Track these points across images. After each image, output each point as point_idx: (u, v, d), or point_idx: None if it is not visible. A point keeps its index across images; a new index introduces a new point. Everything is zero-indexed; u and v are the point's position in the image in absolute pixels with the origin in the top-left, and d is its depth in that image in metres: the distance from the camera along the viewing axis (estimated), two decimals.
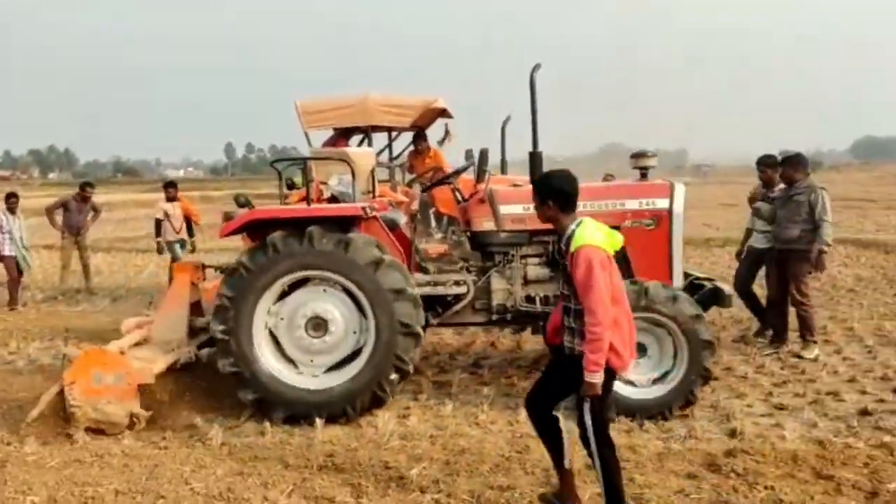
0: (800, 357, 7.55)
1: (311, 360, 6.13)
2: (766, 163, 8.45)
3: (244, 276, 5.99)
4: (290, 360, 6.15)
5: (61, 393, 5.88)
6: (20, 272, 11.59)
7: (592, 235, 3.92)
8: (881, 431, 5.56)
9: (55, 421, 5.88)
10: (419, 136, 9.73)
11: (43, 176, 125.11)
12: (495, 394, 6.63)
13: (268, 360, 6.06)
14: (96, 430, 5.79)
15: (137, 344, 6.65)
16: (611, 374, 3.94)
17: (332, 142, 9.45)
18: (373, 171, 7.48)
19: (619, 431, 5.70)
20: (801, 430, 5.62)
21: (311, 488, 4.72)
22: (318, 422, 5.85)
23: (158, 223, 12.24)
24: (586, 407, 3.98)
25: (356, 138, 9.92)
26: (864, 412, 5.95)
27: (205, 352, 6.81)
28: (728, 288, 6.55)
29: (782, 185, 7.96)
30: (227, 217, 8.03)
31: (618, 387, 5.80)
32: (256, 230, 6.26)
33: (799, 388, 6.61)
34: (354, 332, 6.10)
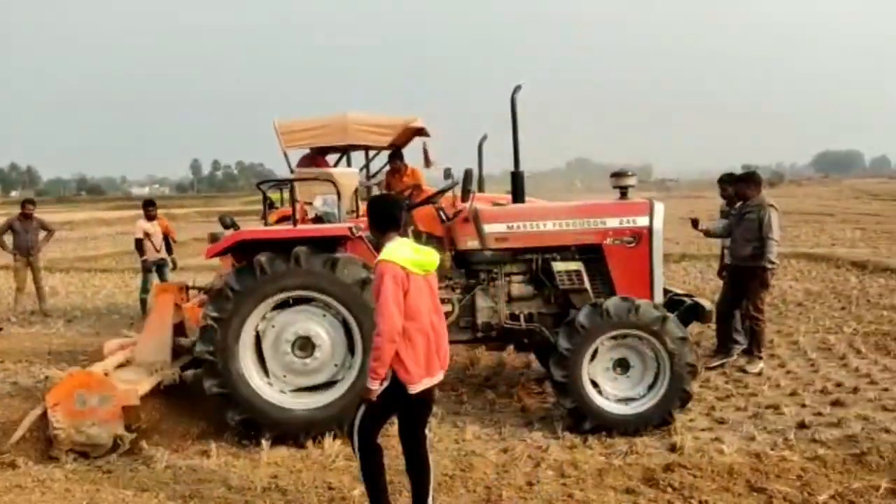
0: (744, 371, 7.72)
1: (284, 376, 6.11)
2: (726, 180, 8.64)
3: (256, 275, 5.95)
4: (265, 369, 6.13)
5: (44, 415, 5.80)
6: None
7: (394, 252, 4.14)
8: (816, 444, 5.69)
9: (38, 443, 5.82)
10: (396, 154, 9.76)
11: (5, 194, 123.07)
12: (444, 411, 6.66)
13: (247, 363, 6.05)
14: (80, 453, 5.75)
15: (121, 365, 6.60)
16: (402, 389, 4.11)
17: (307, 161, 9.44)
18: (356, 191, 7.48)
19: (562, 447, 5.81)
20: (739, 444, 5.74)
21: None
22: (265, 443, 5.85)
23: (140, 242, 12.16)
24: (361, 409, 4.22)
25: (333, 157, 9.92)
26: (802, 425, 6.09)
27: (189, 373, 6.80)
28: (708, 304, 6.71)
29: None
30: (213, 238, 7.97)
31: (599, 401, 6.00)
32: (241, 251, 6.28)
33: (741, 402, 6.75)
34: (336, 365, 6.11)
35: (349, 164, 9.70)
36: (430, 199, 7.11)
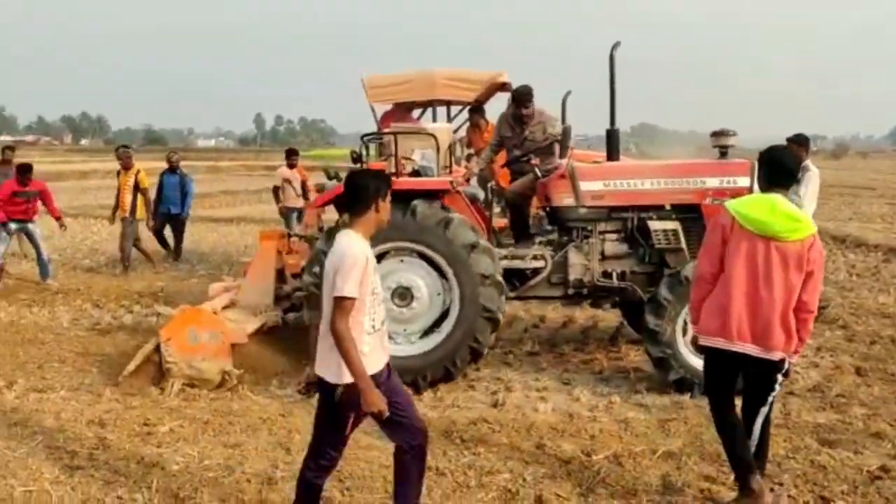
0: None
1: (405, 329, 6.30)
2: (796, 141, 8.33)
3: None
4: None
5: (157, 349, 6.18)
6: None
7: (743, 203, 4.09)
8: (638, 408, 5.79)
9: (149, 376, 6.21)
10: (477, 110, 9.60)
11: (75, 142, 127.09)
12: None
13: None
14: (190, 386, 6.10)
15: (226, 307, 6.96)
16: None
17: (390, 116, 9.47)
18: (451, 147, 7.27)
19: None
20: (562, 404, 5.86)
21: (58, 441, 5.08)
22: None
23: (276, 190, 12.70)
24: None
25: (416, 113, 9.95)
26: (640, 390, 6.16)
27: (291, 316, 7.12)
28: None
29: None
30: (320, 189, 8.19)
31: (687, 355, 6.05)
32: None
33: (598, 366, 6.87)
34: (438, 294, 6.28)
35: (434, 120, 9.64)
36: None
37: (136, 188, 11.59)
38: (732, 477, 4.28)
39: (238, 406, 5.80)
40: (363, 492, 4.37)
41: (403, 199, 6.08)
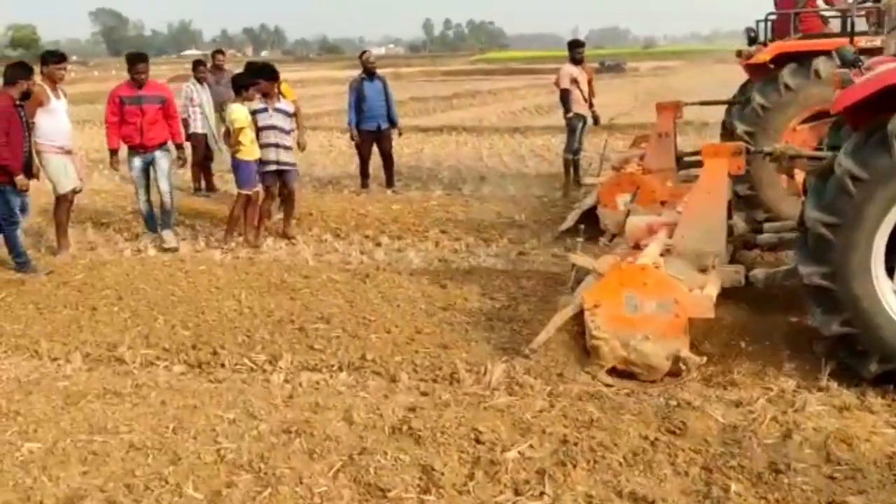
0: None
1: None
2: None
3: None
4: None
5: (578, 318, 4.49)
6: (210, 153, 10.25)
7: None
8: None
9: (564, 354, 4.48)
10: None
11: (255, 53, 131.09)
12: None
13: (882, 286, 4.03)
14: (623, 374, 4.36)
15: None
16: None
17: None
18: None
19: (831, 409, 3.92)
20: None
21: (365, 470, 3.41)
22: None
23: (566, 94, 9.82)
24: None
25: None
26: None
27: (760, 273, 4.88)
28: None
29: None
30: (844, 81, 5.74)
31: None
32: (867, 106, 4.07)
33: None
34: None
35: None
36: None
37: None
38: None
39: (610, 402, 3.92)
40: None
41: None
